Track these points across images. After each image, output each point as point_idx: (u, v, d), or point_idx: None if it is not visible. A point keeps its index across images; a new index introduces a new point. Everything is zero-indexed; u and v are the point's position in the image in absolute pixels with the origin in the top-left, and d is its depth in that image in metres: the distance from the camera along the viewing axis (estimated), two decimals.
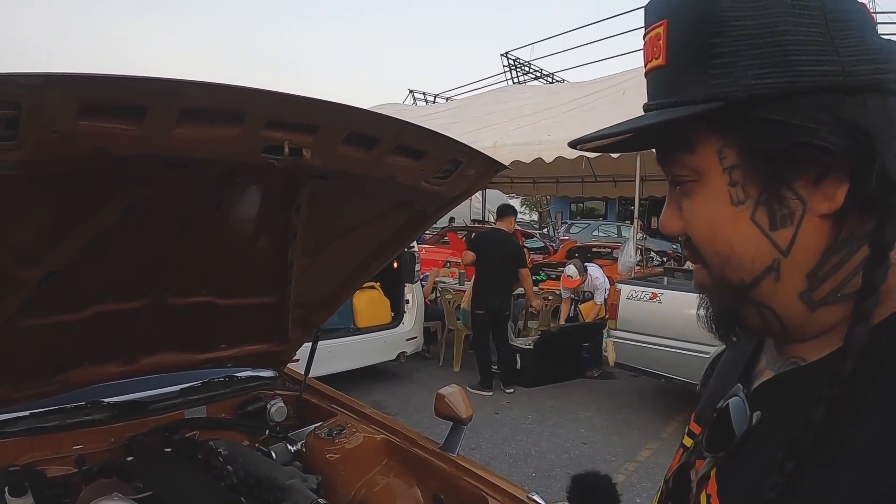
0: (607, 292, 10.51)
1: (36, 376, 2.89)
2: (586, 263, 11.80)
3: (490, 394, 9.33)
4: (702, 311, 1.01)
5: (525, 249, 15.41)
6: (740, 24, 0.81)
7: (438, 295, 11.61)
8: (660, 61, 0.89)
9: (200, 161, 2.05)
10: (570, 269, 11.38)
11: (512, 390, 9.57)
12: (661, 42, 0.88)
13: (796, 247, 0.86)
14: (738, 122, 0.83)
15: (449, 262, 15.55)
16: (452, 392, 3.43)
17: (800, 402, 0.85)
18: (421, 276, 10.91)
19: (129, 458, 3.19)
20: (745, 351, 1.10)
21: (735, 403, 0.97)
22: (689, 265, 1.07)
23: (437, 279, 13.09)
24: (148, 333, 3.09)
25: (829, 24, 0.80)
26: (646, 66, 0.93)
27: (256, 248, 2.92)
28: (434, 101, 27.20)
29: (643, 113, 0.94)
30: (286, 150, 2.10)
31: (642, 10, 0.95)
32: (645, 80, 0.95)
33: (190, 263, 2.79)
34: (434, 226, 22.43)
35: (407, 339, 9.62)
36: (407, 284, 9.76)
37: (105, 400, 3.39)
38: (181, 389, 3.72)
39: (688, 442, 1.12)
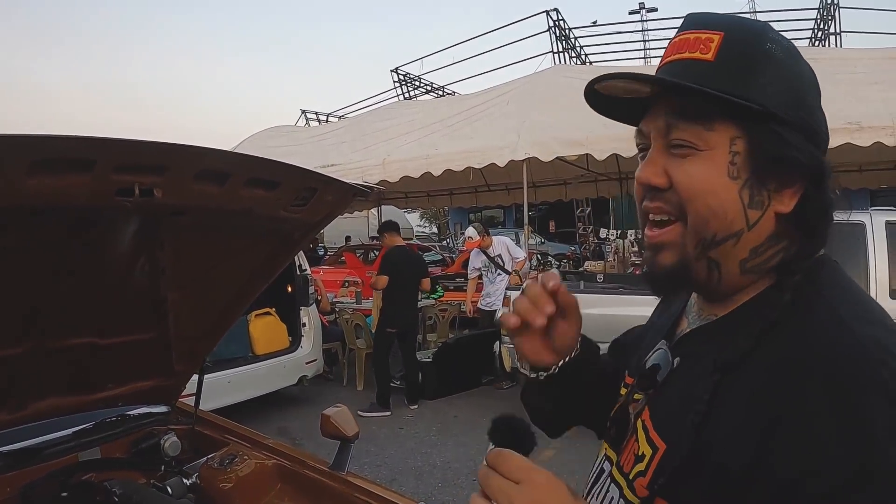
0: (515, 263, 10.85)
1: None
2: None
3: (389, 413, 9.30)
4: (648, 267, 1.23)
5: None
6: (780, 64, 1.10)
7: (337, 315, 11.59)
8: (708, 56, 1.09)
9: (57, 208, 2.10)
10: (470, 231, 11.26)
11: (416, 406, 9.65)
12: (712, 45, 1.10)
13: (756, 226, 1.10)
14: (757, 126, 1.07)
15: (347, 281, 15.52)
16: (337, 412, 3.48)
17: (713, 342, 1.13)
18: (318, 298, 10.88)
19: None
20: (668, 318, 1.36)
21: (660, 354, 1.24)
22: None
23: (335, 300, 13.10)
24: (33, 379, 3.07)
25: (818, 96, 1.14)
26: (674, 54, 1.14)
27: (130, 285, 2.93)
28: (326, 121, 27.11)
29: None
30: (137, 191, 2.17)
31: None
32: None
33: (65, 306, 2.79)
34: (332, 245, 22.31)
35: (307, 363, 9.54)
36: (302, 308, 9.71)
37: None
38: (74, 432, 3.62)
39: (623, 391, 1.36)
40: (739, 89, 1.06)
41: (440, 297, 13.14)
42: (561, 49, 26.99)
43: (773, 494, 0.90)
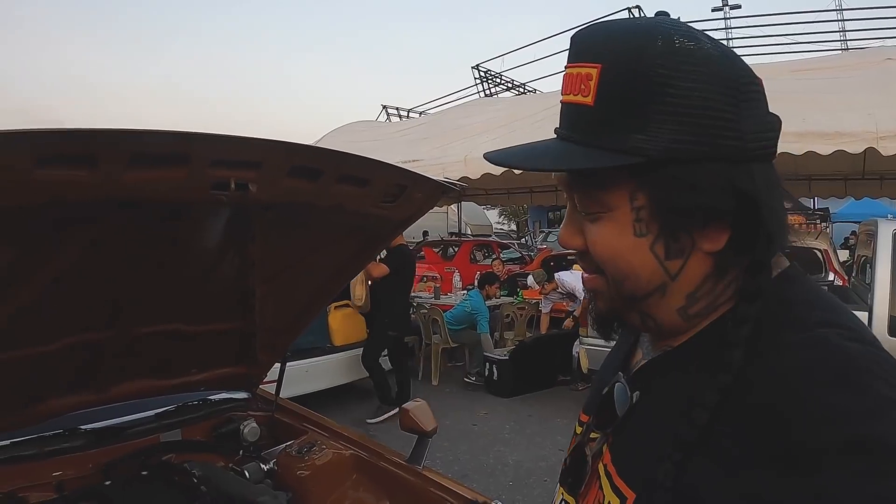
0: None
1: (9, 408, 2.94)
2: (566, 271, 11.87)
3: (396, 410, 9.07)
4: (590, 310, 1.17)
5: (499, 261, 15.53)
6: (670, 88, 0.92)
7: (414, 310, 11.67)
8: (587, 100, 0.96)
9: (152, 201, 2.16)
10: (530, 280, 11.47)
11: (393, 409, 8.77)
12: (591, 83, 0.95)
13: (682, 274, 1.01)
14: (651, 176, 0.95)
15: (425, 276, 15.58)
16: (416, 406, 3.52)
17: (671, 375, 1.07)
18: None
19: (108, 483, 3.25)
20: (623, 350, 1.28)
21: (618, 388, 1.14)
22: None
23: (413, 294, 13.18)
24: (118, 362, 3.15)
25: (740, 99, 0.94)
26: (564, 94, 1.01)
27: (219, 276, 3.01)
28: (407, 116, 27.24)
29: (554, 135, 1.05)
30: (233, 185, 2.23)
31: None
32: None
33: (153, 295, 2.86)
34: (410, 240, 22.46)
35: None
36: None
37: (83, 427, 3.45)
38: (156, 414, 3.77)
39: (578, 430, 1.28)
40: (622, 137, 0.93)
41: (521, 301, 13.03)
42: None
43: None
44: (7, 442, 3.19)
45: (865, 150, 8.42)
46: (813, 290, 1.03)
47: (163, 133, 1.95)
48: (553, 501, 1.31)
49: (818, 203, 18.90)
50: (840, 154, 8.50)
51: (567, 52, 1.03)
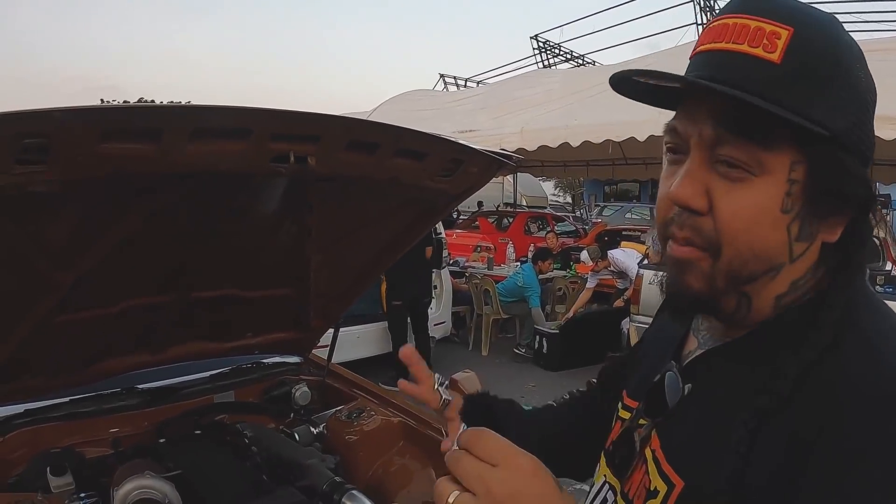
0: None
1: (70, 367, 3.06)
2: (617, 248, 11.84)
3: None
4: (670, 288, 1.09)
5: (553, 234, 15.47)
6: (852, 78, 0.94)
7: (467, 279, 11.73)
8: (772, 57, 0.91)
9: (213, 173, 2.23)
10: (584, 255, 11.49)
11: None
12: (780, 42, 0.91)
13: (801, 259, 0.99)
14: (819, 151, 0.92)
15: (479, 246, 15.63)
16: (466, 377, 3.53)
17: (730, 368, 1.05)
18: (450, 261, 10.99)
19: (162, 441, 3.34)
20: (672, 335, 1.25)
21: (669, 377, 1.11)
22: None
23: (466, 264, 13.22)
24: (175, 325, 3.24)
25: (875, 99, 0.98)
26: (726, 42, 0.95)
27: (275, 244, 3.07)
28: (465, 85, 27.25)
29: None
30: (292, 158, 2.28)
31: None
32: (695, 56, 1.01)
33: (212, 261, 2.94)
34: (465, 209, 22.38)
35: (435, 324, 9.68)
36: (435, 270, 9.80)
37: (139, 386, 3.57)
38: (210, 376, 3.89)
39: (625, 415, 1.27)
40: (806, 106, 0.91)
41: (574, 274, 12.97)
42: (704, 21, 26.22)
43: None
44: (67, 399, 3.31)
45: None
46: (879, 305, 1.02)
47: (225, 108, 2.01)
48: (594, 478, 1.32)
49: (880, 189, 18.59)
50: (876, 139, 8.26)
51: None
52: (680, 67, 1.05)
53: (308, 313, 3.65)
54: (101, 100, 57.25)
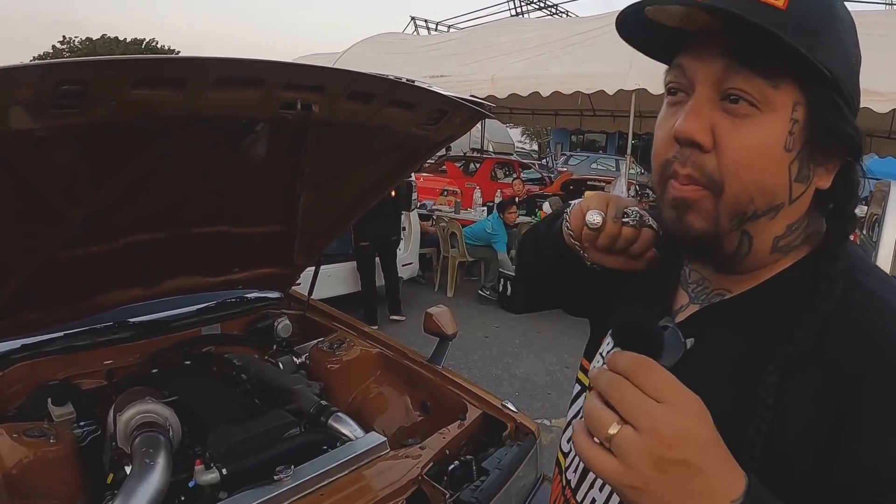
0: None
1: (68, 302, 3.22)
2: (578, 199, 11.99)
3: (375, 327, 9.14)
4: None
5: (519, 181, 15.62)
6: (845, 33, 0.98)
7: (434, 222, 11.92)
8: (779, 4, 0.92)
9: (228, 117, 2.42)
10: (546, 206, 11.64)
11: (402, 318, 9.46)
12: None
13: (798, 201, 1.01)
14: (820, 92, 0.95)
15: (446, 190, 15.74)
16: (440, 311, 3.79)
17: (733, 324, 1.06)
18: (418, 204, 11.13)
19: (154, 371, 3.57)
20: (659, 289, 1.25)
21: (669, 334, 1.10)
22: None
23: (434, 207, 13.39)
24: (169, 260, 3.41)
25: (860, 56, 1.03)
26: None
27: (269, 184, 3.25)
28: (436, 29, 27.09)
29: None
30: (299, 106, 2.48)
31: None
32: None
33: (209, 199, 3.12)
34: (436, 155, 22.39)
35: (403, 265, 9.84)
36: (404, 213, 9.93)
37: (131, 320, 3.77)
38: (198, 309, 4.11)
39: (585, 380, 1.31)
40: (809, 48, 0.90)
41: (539, 222, 13.15)
42: None
43: (836, 490, 0.86)
44: (61, 334, 3.49)
45: (893, 111, 8.51)
46: (871, 263, 1.06)
47: (244, 60, 2.21)
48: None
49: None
50: (867, 111, 8.43)
51: None
52: None
53: (292, 250, 3.86)
54: (63, 36, 56.31)
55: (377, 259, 9.29)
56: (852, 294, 0.95)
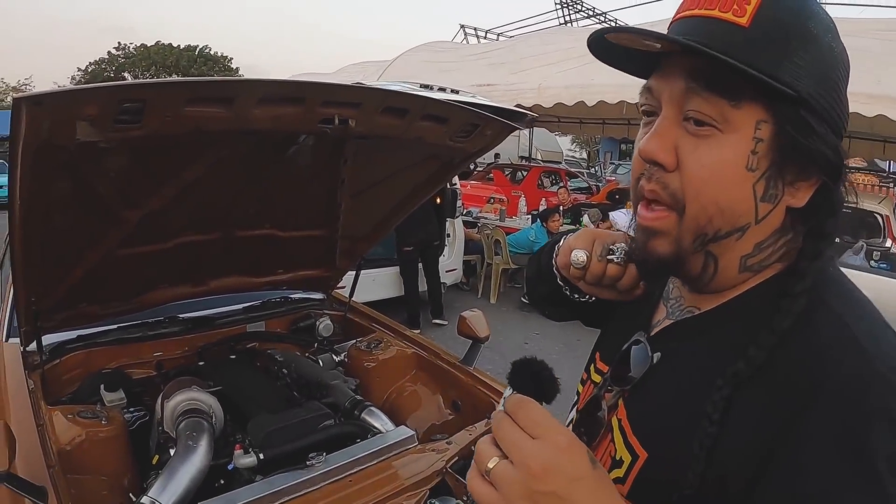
0: None
1: (122, 297, 3.48)
2: (619, 209, 12.14)
3: (418, 332, 9.08)
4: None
5: (565, 190, 15.64)
6: (818, 44, 0.96)
7: (479, 229, 11.98)
8: (742, 21, 0.93)
9: (271, 131, 2.64)
10: (585, 218, 11.67)
11: (444, 322, 9.52)
12: (749, 7, 0.94)
13: (765, 220, 0.99)
14: (786, 111, 0.94)
15: (493, 198, 15.82)
16: (473, 315, 3.93)
17: (697, 340, 1.07)
18: (464, 211, 11.23)
19: (201, 363, 3.79)
20: (645, 302, 1.27)
21: (638, 349, 1.14)
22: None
23: (479, 214, 13.48)
24: (217, 260, 3.65)
25: (846, 82, 1.00)
26: (700, 8, 0.98)
27: (311, 191, 3.48)
28: (485, 37, 27.19)
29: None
30: (336, 121, 2.70)
31: None
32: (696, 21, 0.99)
33: (256, 204, 3.35)
34: (481, 161, 22.53)
35: (447, 271, 9.91)
36: (448, 219, 10.00)
37: (180, 315, 4.02)
38: (244, 307, 4.35)
39: (597, 378, 1.27)
40: (773, 66, 0.92)
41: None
42: None
43: None
44: (115, 326, 3.76)
45: None
46: (848, 284, 1.04)
47: (285, 82, 2.47)
48: None
49: (891, 166, 18.46)
50: None
51: None
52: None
53: (335, 253, 4.07)
54: (119, 42, 57.37)
55: (420, 265, 9.40)
56: (814, 314, 0.95)
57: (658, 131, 0.99)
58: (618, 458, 1.09)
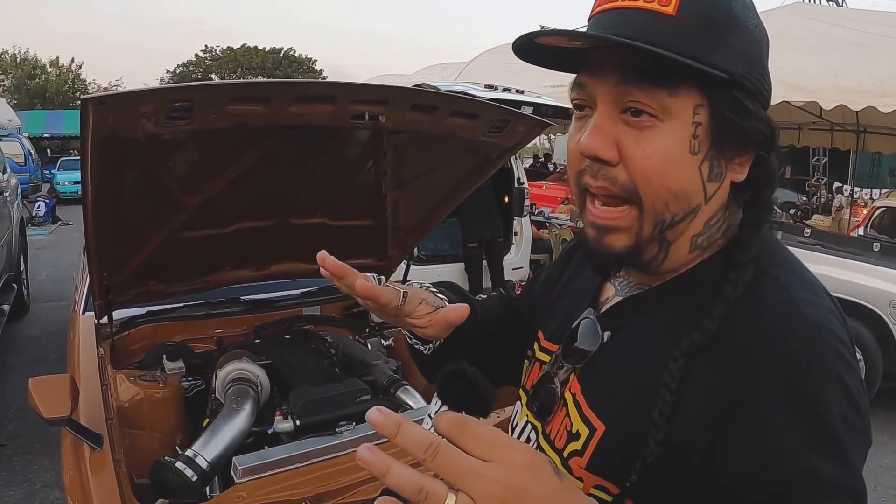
0: None
1: (187, 277, 3.79)
2: None
3: None
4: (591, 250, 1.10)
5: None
6: (743, 26, 0.98)
7: (549, 229, 12.01)
8: (668, 10, 0.94)
9: (308, 126, 2.93)
10: None
11: None
12: None
13: (713, 198, 1.02)
14: (721, 93, 0.96)
15: (567, 199, 15.82)
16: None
17: (647, 315, 1.09)
18: (535, 211, 11.25)
19: (257, 341, 4.05)
20: (590, 281, 1.28)
21: (587, 324, 1.16)
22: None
23: (551, 215, 13.54)
24: (275, 246, 3.93)
25: (768, 46, 1.05)
26: (625, 1, 0.98)
27: (357, 182, 3.73)
28: None
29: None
30: (367, 117, 2.98)
31: None
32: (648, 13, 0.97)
33: (306, 194, 3.61)
34: (562, 163, 22.25)
35: (513, 269, 9.92)
36: (516, 218, 10.02)
37: (242, 297, 4.33)
38: (301, 292, 4.63)
39: (542, 357, 1.28)
40: (703, 52, 0.94)
41: None
42: None
43: (729, 482, 0.87)
44: (181, 304, 4.11)
45: None
46: (786, 253, 1.07)
47: (316, 82, 2.78)
48: (514, 421, 1.31)
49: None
50: None
51: None
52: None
53: (386, 243, 4.28)
54: (206, 45, 58.64)
55: (485, 261, 9.52)
56: (760, 284, 0.97)
57: (597, 127, 0.99)
58: (574, 431, 1.09)
